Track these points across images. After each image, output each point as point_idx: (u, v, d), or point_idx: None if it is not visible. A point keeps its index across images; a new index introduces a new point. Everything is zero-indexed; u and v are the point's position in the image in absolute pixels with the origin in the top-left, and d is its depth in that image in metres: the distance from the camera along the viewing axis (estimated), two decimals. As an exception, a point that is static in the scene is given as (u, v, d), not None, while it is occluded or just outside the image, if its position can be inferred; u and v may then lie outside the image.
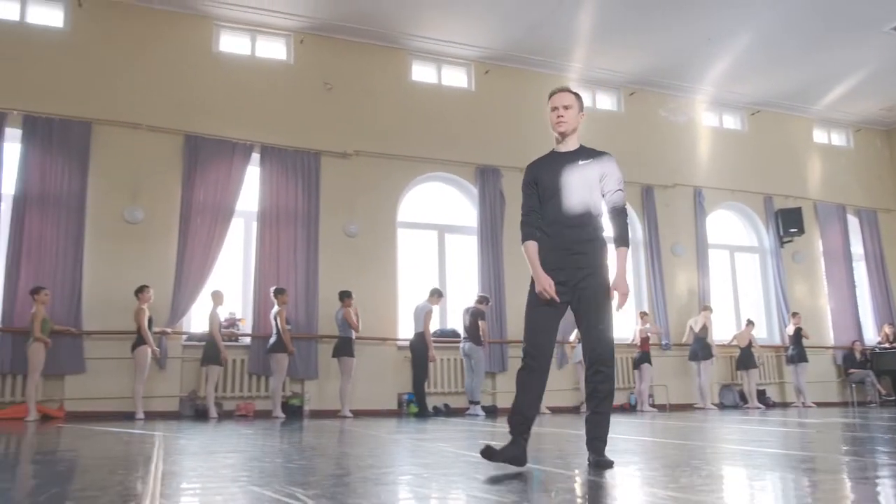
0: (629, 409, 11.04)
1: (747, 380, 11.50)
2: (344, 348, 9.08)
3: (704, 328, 11.20)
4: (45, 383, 8.39)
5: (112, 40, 9.63)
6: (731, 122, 13.69)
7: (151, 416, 8.41)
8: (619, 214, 3.32)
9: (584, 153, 3.36)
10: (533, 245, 3.31)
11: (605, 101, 12.69)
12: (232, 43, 10.39)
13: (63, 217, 8.84)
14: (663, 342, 11.62)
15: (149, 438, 4.98)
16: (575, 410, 10.52)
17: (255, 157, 9.97)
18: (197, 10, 10.00)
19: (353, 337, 9.18)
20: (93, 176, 9.12)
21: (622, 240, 3.32)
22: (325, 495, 2.36)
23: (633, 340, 11.10)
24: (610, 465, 3.12)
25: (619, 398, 11.10)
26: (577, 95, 3.39)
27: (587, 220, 3.26)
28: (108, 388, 8.63)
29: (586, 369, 3.25)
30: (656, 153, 12.51)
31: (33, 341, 7.91)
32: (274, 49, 10.61)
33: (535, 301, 3.24)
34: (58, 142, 9.00)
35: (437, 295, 9.78)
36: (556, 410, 10.24)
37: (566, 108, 3.32)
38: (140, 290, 8.48)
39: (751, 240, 13.42)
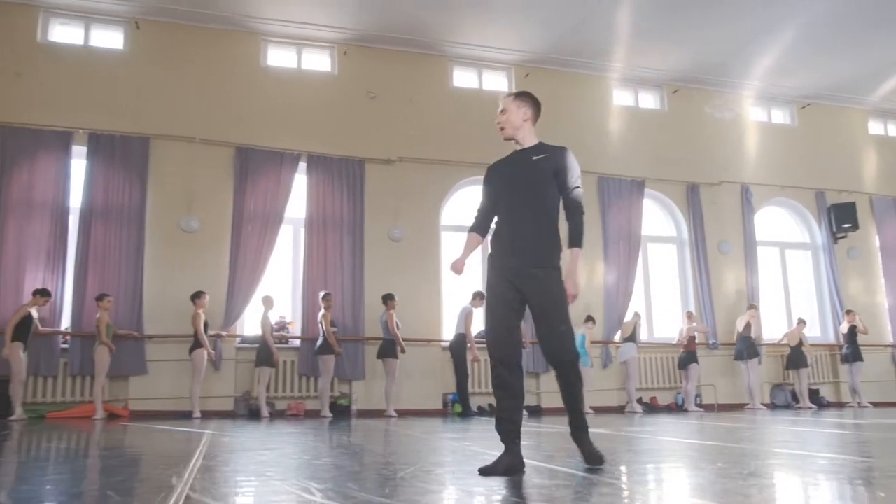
0: (675, 409, 11.00)
1: (798, 379, 11.29)
2: (388, 350, 9.37)
3: (748, 327, 11.06)
4: (111, 384, 8.96)
5: (167, 59, 10.17)
6: (780, 116, 13.42)
7: (208, 415, 8.88)
8: (574, 213, 3.27)
9: (539, 149, 3.33)
10: (472, 235, 3.46)
11: (648, 100, 12.64)
12: (279, 57, 10.83)
13: (125, 227, 9.41)
14: (710, 341, 11.51)
15: (198, 437, 5.35)
16: (619, 410, 10.56)
17: (302, 165, 10.36)
18: (245, 26, 10.46)
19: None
20: (151, 188, 9.68)
21: (575, 240, 3.27)
22: (334, 489, 2.60)
23: (680, 341, 11.04)
24: (601, 458, 3.17)
25: (665, 398, 11.15)
26: (516, 96, 3.41)
27: (538, 217, 3.23)
28: (168, 388, 9.16)
29: (555, 370, 3.25)
30: (702, 151, 12.40)
31: (99, 345, 8.47)
32: (319, 61, 11.00)
33: (491, 304, 3.25)
34: (119, 157, 9.59)
35: (479, 297, 9.97)
36: (599, 410, 10.29)
37: (502, 112, 3.38)
38: (197, 296, 8.97)
39: (802, 236, 13.13)
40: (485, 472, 2.97)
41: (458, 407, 9.74)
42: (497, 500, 2.44)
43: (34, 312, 8.41)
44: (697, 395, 10.98)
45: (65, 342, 8.99)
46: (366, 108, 10.88)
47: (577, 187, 3.28)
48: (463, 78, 11.61)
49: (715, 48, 11.41)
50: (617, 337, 11.05)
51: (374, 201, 10.56)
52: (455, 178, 11.09)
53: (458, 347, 9.65)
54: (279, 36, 10.77)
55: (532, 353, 10.49)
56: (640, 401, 10.71)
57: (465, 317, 9.72)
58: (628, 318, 10.96)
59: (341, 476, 3.05)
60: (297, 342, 9.88)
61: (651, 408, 10.89)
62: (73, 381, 8.94)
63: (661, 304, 11.99)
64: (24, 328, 8.25)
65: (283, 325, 9.95)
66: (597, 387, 10.66)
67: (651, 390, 11.16)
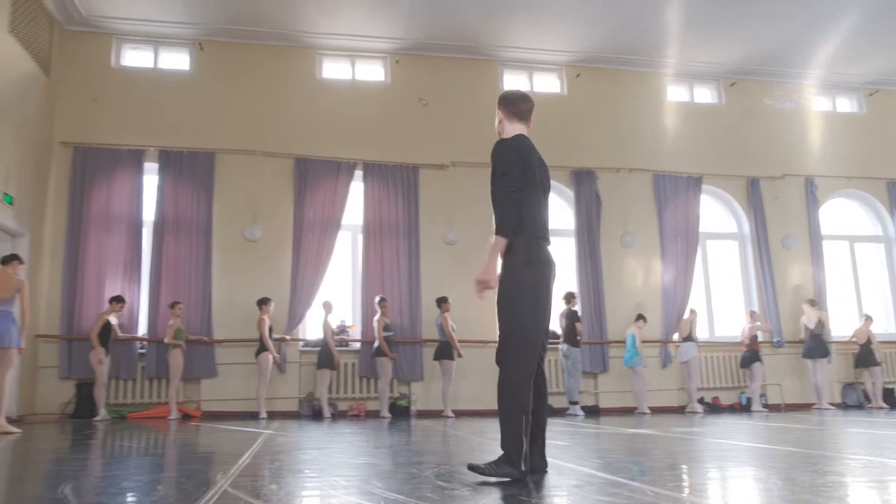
0: (739, 409, 10.79)
1: (871, 378, 10.88)
2: (444, 352, 9.59)
3: (820, 324, 10.73)
4: (184, 386, 9.52)
5: (229, 77, 10.69)
6: (847, 104, 12.92)
7: (274, 415, 9.32)
8: (494, 202, 3.24)
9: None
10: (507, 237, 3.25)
11: (704, 94, 12.42)
12: (334, 69, 11.21)
13: (193, 238, 9.97)
14: (775, 340, 11.22)
15: (256, 436, 5.69)
16: (679, 410, 10.45)
17: (359, 173, 10.70)
18: (301, 41, 10.89)
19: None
20: (217, 200, 10.21)
21: (496, 228, 3.19)
22: (358, 485, 2.82)
23: (742, 339, 10.82)
24: (481, 470, 2.99)
25: (728, 398, 10.95)
26: (498, 102, 3.52)
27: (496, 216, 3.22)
28: (237, 390, 9.65)
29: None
30: (762, 144, 12.09)
31: (172, 349, 9.03)
32: (372, 71, 11.33)
33: (544, 300, 3.28)
34: (187, 171, 10.16)
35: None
36: (659, 411, 10.22)
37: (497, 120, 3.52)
38: (263, 302, 9.42)
39: (874, 229, 12.61)
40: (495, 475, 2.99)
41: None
42: (497, 499, 2.59)
43: (112, 319, 9.03)
44: (762, 395, 10.73)
45: (142, 347, 9.60)
46: (418, 114, 11.13)
47: (503, 174, 3.22)
48: (514, 81, 11.70)
49: (773, 38, 11.13)
50: (676, 336, 10.93)
51: (428, 206, 10.80)
52: (508, 180, 11.18)
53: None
54: (333, 49, 11.15)
55: (588, 352, 10.54)
56: (701, 401, 10.55)
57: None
58: (686, 316, 10.83)
59: (371, 473, 3.26)
60: (357, 345, 10.21)
61: (714, 408, 10.72)
62: (151, 384, 9.54)
63: (722, 301, 11.77)
64: (104, 334, 8.88)
65: (343, 329, 10.31)
66: (656, 387, 10.59)
67: (713, 390, 10.99)
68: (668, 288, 11.16)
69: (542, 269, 3.22)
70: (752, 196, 11.76)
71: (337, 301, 10.09)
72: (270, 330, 9.45)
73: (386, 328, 9.57)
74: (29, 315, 6.97)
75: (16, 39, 8.80)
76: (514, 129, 3.44)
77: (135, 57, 10.75)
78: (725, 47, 11.43)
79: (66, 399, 9.24)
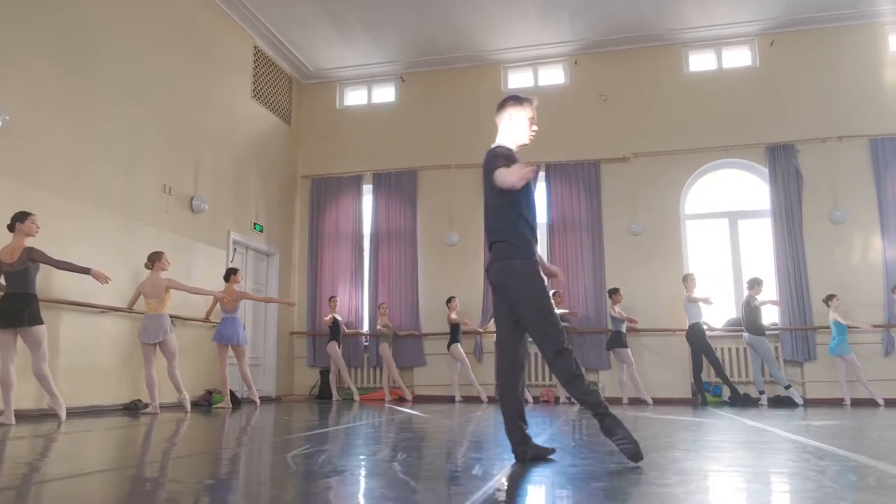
0: None
1: None
2: (616, 341, 9.88)
3: None
4: (402, 374, 11.18)
5: (426, 102, 12.11)
6: None
7: (471, 400, 10.49)
8: None
9: None
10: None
11: (939, 38, 10.63)
12: (517, 79, 11.99)
13: (402, 246, 11.57)
14: None
15: (421, 419, 6.90)
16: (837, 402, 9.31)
17: (542, 174, 11.40)
18: (488, 59, 11.86)
19: (624, 330, 9.91)
20: (420, 211, 11.72)
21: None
22: (413, 461, 3.58)
23: None
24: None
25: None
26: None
27: None
28: (444, 377, 11.00)
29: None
30: None
31: (381, 343, 10.74)
32: (551, 76, 11.90)
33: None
34: (395, 189, 11.82)
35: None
36: (861, 402, 9.25)
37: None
38: (449, 301, 10.68)
39: None
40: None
41: (711, 396, 9.74)
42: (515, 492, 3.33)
43: (337, 316, 11.01)
44: None
45: (366, 341, 11.50)
46: (598, 110, 11.42)
47: None
48: (699, 61, 11.33)
49: None
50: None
51: (610, 198, 11.07)
52: (694, 165, 10.94)
53: (692, 336, 9.71)
54: (518, 60, 11.95)
55: (791, 339, 9.93)
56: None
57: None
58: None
59: (437, 458, 3.81)
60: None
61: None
62: (373, 371, 11.40)
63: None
64: (334, 329, 10.89)
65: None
66: (879, 376, 9.55)
67: (960, 380, 9.53)
68: (893, 265, 9.92)
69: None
70: None
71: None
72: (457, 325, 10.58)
73: (562, 318, 10.16)
74: (198, 290, 8.07)
75: (258, 102, 11.24)
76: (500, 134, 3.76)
77: (352, 96, 12.78)
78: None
79: (311, 383, 11.51)
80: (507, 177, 3.30)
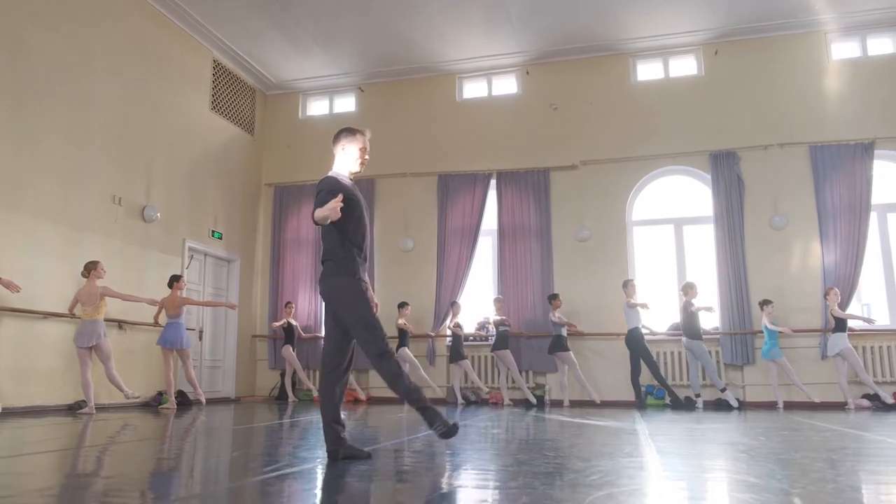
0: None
1: None
2: (556, 345, 10.12)
3: None
4: (357, 376, 11.46)
5: (386, 112, 12.43)
6: None
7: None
8: None
9: None
10: None
11: (882, 45, 10.76)
12: (472, 89, 12.30)
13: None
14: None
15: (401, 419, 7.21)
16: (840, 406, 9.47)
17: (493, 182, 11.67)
18: (443, 70, 12.17)
19: (565, 334, 10.16)
20: (378, 218, 12.03)
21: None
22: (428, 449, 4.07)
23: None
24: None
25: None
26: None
27: None
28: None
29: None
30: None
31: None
32: (504, 85, 12.17)
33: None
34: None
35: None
36: (803, 406, 9.42)
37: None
38: (401, 306, 10.98)
39: None
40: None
41: (653, 399, 9.97)
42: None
43: (292, 321, 11.34)
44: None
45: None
46: (549, 119, 11.68)
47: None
48: (647, 70, 11.55)
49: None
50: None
51: (559, 205, 11.31)
52: (641, 172, 11.16)
53: (630, 340, 9.94)
54: (471, 71, 12.24)
55: (730, 343, 10.12)
56: (871, 397, 9.41)
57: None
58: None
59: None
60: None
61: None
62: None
63: (913, 282, 10.16)
64: (288, 333, 11.23)
65: (483, 326, 11.36)
66: (820, 380, 9.71)
67: None
68: (831, 270, 10.08)
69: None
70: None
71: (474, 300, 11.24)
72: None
73: (501, 323, 10.43)
74: (131, 297, 8.31)
75: (217, 114, 11.63)
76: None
77: (315, 106, 13.15)
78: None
79: (272, 385, 11.86)
80: (315, 215, 3.64)
